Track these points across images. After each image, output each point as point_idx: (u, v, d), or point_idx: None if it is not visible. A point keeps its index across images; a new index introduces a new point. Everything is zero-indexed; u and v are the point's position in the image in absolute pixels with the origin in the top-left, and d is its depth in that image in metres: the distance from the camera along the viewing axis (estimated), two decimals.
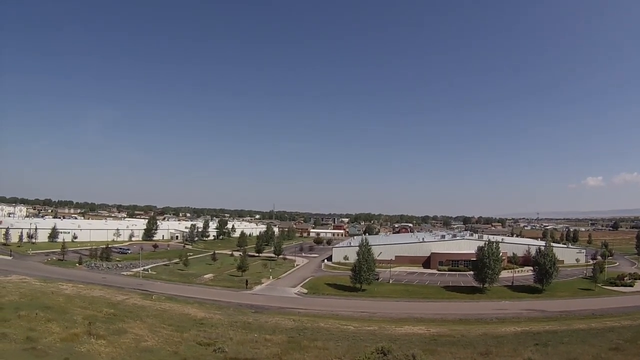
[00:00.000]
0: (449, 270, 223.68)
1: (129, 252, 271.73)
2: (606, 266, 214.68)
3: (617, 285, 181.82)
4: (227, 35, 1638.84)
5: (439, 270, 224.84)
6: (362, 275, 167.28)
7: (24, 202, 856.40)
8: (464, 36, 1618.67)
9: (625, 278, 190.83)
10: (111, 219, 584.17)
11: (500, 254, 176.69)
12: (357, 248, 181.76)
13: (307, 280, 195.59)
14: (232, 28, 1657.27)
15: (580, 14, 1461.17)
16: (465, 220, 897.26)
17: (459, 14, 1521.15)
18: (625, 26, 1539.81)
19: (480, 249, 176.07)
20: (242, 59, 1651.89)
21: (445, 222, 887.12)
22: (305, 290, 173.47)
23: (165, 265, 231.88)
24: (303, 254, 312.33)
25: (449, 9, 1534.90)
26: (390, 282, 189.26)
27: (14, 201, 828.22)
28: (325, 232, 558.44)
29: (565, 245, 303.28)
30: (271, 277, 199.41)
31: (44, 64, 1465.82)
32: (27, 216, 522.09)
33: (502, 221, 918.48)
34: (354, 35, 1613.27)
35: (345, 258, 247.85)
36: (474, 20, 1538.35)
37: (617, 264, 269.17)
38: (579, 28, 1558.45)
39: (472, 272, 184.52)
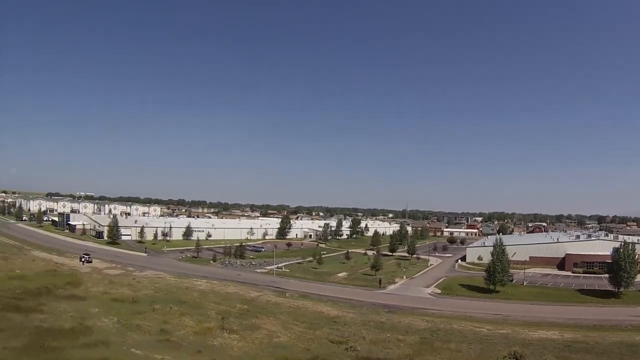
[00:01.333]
0: (584, 272, 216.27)
1: (263, 250, 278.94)
2: None
3: None
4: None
5: (573, 272, 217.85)
6: (496, 276, 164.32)
7: (158, 202, 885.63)
8: None
9: None
10: (244, 218, 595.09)
11: (636, 256, 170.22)
12: (491, 248, 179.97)
13: (440, 280, 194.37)
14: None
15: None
16: (600, 220, 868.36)
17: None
18: None
19: (615, 250, 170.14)
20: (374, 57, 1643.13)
21: (580, 222, 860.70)
22: (438, 291, 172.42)
23: (298, 263, 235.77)
24: (436, 254, 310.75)
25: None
26: (524, 283, 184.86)
27: (148, 202, 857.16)
28: (459, 232, 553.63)
29: None
30: (404, 276, 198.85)
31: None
32: (161, 216, 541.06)
33: (637, 220, 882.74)
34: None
35: (479, 258, 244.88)
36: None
37: None
38: None
39: (607, 275, 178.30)
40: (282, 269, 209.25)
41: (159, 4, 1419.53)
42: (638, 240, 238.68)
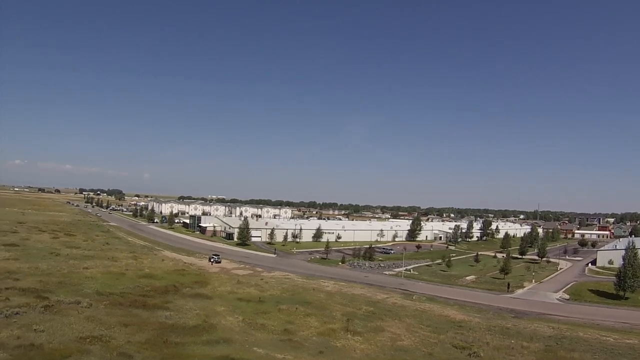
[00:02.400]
0: None
1: (392, 252, 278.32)
2: None
3: None
4: None
5: None
6: (627, 281, 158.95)
7: (289, 204, 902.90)
8: None
9: None
10: (375, 220, 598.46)
11: None
12: (623, 251, 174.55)
13: (569, 285, 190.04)
14: None
15: None
16: None
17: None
18: None
19: None
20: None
21: None
22: (567, 296, 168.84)
23: (427, 265, 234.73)
24: (567, 257, 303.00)
25: None
26: None
27: (279, 204, 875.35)
28: (590, 234, 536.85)
29: None
30: (533, 280, 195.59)
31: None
32: (292, 217, 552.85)
33: None
34: None
35: (610, 262, 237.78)
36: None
37: None
38: None
39: None
40: (410, 271, 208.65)
41: None
42: None
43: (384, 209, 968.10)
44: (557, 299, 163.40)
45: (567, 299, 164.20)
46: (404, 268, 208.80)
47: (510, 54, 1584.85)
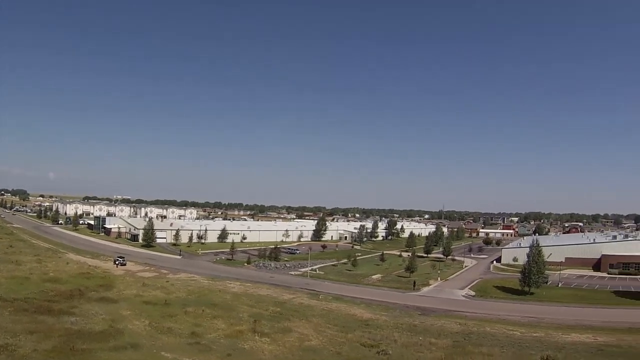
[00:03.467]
0: (620, 273, 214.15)
1: (298, 252, 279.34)
2: None
3: None
4: None
5: (609, 274, 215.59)
6: (532, 278, 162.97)
7: (194, 205, 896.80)
8: None
9: None
10: (280, 220, 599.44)
11: None
12: (527, 249, 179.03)
13: (475, 282, 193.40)
14: None
15: None
16: (637, 219, 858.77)
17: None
18: None
19: None
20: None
21: (616, 221, 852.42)
22: (472, 293, 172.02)
23: (333, 265, 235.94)
24: (472, 255, 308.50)
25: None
26: (559, 285, 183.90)
27: (184, 204, 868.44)
28: (494, 232, 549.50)
29: None
30: (439, 278, 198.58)
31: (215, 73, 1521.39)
32: (197, 218, 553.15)
33: None
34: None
35: (515, 259, 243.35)
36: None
37: None
38: None
39: None
40: (316, 271, 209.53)
41: None
42: None
43: (289, 210, 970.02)
44: (463, 296, 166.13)
45: (473, 296, 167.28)
46: (310, 268, 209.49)
47: (419, 51, 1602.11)
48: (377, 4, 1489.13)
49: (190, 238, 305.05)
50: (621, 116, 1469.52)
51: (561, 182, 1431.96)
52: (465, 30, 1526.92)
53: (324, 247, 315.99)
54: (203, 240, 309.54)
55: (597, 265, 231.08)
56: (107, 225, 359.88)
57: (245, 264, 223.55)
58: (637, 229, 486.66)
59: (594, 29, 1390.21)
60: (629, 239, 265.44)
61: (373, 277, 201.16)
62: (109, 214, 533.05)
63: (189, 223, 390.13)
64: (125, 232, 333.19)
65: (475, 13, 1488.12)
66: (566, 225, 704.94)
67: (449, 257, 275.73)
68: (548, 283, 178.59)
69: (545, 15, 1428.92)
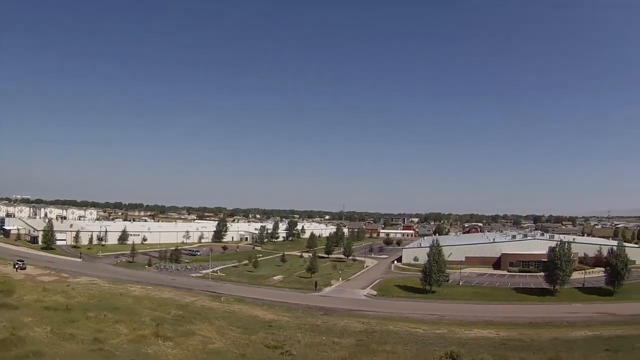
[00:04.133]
0: (519, 271, 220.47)
1: (199, 253, 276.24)
2: None
3: None
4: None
5: (509, 272, 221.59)
6: (433, 276, 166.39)
7: (95, 205, 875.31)
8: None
9: None
10: (181, 221, 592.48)
11: (572, 254, 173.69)
12: (428, 249, 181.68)
13: (376, 281, 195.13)
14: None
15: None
16: (535, 219, 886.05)
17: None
18: None
19: (551, 249, 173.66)
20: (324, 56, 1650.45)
21: (515, 221, 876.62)
22: (374, 292, 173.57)
23: (234, 266, 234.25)
24: (373, 255, 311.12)
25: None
26: (460, 283, 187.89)
27: (84, 205, 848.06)
28: (395, 233, 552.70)
29: (637, 245, 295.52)
30: (340, 278, 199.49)
31: (124, 69, 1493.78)
32: (97, 219, 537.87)
33: (572, 220, 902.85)
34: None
35: (415, 259, 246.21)
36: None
37: None
38: None
39: (542, 274, 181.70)
40: (217, 272, 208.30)
41: None
42: (574, 239, 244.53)
43: (190, 210, 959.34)
44: (365, 295, 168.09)
45: (375, 295, 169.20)
46: (211, 270, 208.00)
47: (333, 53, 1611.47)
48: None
49: (91, 240, 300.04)
50: (518, 119, 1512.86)
51: (461, 183, 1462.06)
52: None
53: (224, 248, 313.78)
54: (104, 242, 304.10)
55: (497, 263, 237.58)
56: (6, 227, 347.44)
57: (147, 267, 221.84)
58: (535, 229, 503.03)
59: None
60: (528, 238, 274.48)
61: (274, 278, 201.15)
62: (8, 215, 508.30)
63: (89, 224, 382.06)
64: (25, 234, 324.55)
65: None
66: (466, 225, 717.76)
67: (350, 257, 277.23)
68: (449, 281, 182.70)
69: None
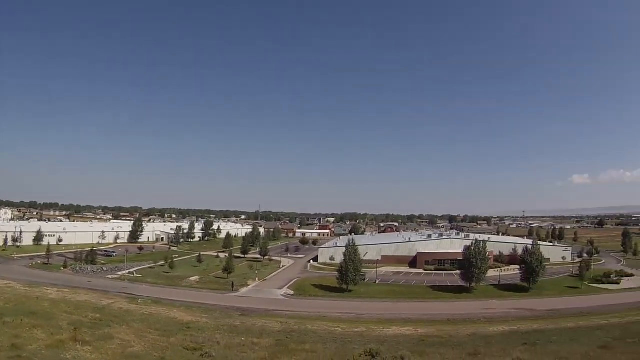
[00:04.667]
0: (436, 269, 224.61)
1: (115, 254, 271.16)
2: (593, 264, 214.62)
3: (603, 283, 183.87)
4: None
5: (425, 270, 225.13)
6: (349, 276, 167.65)
7: (9, 204, 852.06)
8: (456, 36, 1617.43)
9: (612, 276, 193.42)
10: (97, 221, 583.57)
11: (487, 253, 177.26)
12: (344, 248, 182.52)
13: (293, 281, 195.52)
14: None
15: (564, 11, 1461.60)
16: (451, 219, 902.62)
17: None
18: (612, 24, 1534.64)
19: (467, 248, 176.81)
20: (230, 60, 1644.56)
21: (431, 221, 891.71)
22: (291, 292, 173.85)
23: (150, 267, 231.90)
24: (289, 255, 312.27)
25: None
26: (377, 282, 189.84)
27: None
28: (311, 233, 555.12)
29: (551, 244, 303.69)
30: (257, 278, 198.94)
31: (38, 67, 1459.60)
32: (12, 219, 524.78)
33: (487, 219, 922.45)
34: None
35: (332, 259, 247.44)
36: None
37: (604, 261, 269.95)
38: (566, 25, 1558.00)
39: (458, 272, 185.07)
40: (134, 274, 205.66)
41: None
42: (489, 238, 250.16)
43: (105, 210, 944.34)
44: (283, 295, 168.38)
45: (292, 295, 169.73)
46: (128, 271, 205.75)
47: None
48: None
49: (5, 241, 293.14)
50: (431, 119, 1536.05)
51: (377, 183, 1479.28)
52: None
53: (140, 248, 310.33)
54: (19, 243, 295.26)
55: (413, 262, 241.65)
56: None
57: (62, 268, 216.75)
58: (451, 229, 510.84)
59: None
60: (444, 237, 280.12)
61: (191, 278, 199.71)
62: None
63: (3, 224, 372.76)
64: None
65: None
66: (382, 225, 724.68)
67: (267, 257, 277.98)
68: (366, 280, 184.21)
69: None
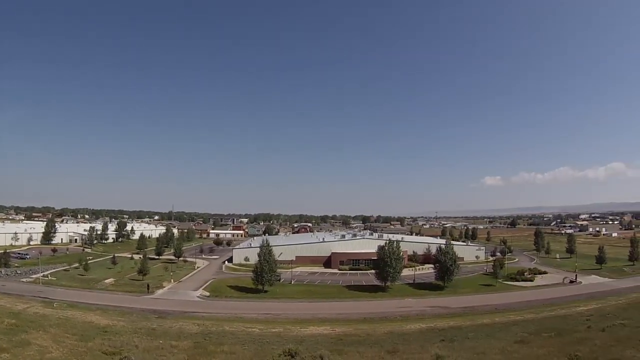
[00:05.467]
0: (350, 269, 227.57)
1: (28, 257, 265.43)
2: (506, 262, 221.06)
3: (517, 281, 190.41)
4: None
5: (340, 270, 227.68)
6: (264, 276, 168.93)
7: None
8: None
9: (526, 273, 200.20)
10: (8, 221, 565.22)
11: (401, 252, 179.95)
12: (258, 249, 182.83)
13: (208, 282, 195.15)
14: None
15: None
16: (364, 220, 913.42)
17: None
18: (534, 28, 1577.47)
19: (381, 248, 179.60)
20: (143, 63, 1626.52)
21: (345, 222, 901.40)
22: (207, 293, 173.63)
23: (65, 270, 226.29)
24: (203, 256, 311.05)
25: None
26: (292, 282, 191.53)
27: None
28: (225, 233, 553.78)
29: (464, 243, 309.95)
30: (172, 280, 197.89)
31: None
32: None
33: (401, 220, 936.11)
34: None
35: (246, 259, 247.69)
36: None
37: (517, 260, 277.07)
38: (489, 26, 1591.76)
39: (373, 271, 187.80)
40: (48, 277, 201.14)
41: None
42: (402, 238, 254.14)
43: (17, 210, 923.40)
44: (198, 297, 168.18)
45: (208, 296, 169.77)
46: (42, 274, 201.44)
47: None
48: None
49: None
50: (345, 120, 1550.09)
51: (290, 184, 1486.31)
52: None
53: (54, 250, 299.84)
54: None
55: (327, 262, 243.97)
56: None
57: None
58: (364, 229, 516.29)
59: None
60: (357, 237, 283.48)
61: (106, 281, 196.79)
62: None
63: None
64: None
65: None
66: (295, 225, 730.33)
67: (181, 258, 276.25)
68: (281, 281, 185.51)
69: None
